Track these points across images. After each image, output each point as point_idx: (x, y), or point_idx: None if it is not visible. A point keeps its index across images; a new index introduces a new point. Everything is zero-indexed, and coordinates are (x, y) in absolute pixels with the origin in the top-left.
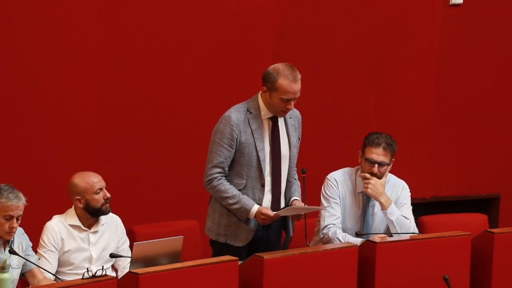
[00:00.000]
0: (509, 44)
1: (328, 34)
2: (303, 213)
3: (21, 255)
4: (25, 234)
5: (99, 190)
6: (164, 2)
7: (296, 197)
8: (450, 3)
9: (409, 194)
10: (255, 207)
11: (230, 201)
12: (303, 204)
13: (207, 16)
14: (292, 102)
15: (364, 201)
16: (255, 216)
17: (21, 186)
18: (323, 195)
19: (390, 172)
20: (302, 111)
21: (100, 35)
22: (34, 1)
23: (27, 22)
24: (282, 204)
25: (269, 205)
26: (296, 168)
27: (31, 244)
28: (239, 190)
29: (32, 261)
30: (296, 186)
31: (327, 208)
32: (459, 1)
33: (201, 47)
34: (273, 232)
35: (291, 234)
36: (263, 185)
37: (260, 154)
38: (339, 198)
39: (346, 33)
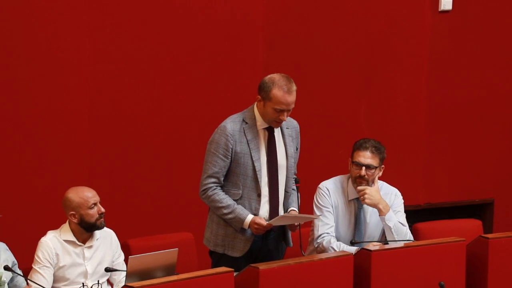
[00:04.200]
0: (499, 48)
1: (318, 43)
2: (297, 223)
3: (18, 272)
4: (9, 251)
5: (93, 205)
6: (155, 13)
7: (293, 208)
8: (440, 10)
9: (402, 201)
10: (249, 217)
11: (225, 211)
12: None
13: (198, 27)
14: (286, 113)
15: (356, 208)
16: (249, 226)
17: (15, 202)
18: (315, 204)
19: (383, 179)
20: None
21: (92, 46)
22: (26, 10)
23: (18, 32)
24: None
25: (267, 215)
26: (295, 177)
27: (16, 262)
28: (236, 200)
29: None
30: (294, 196)
31: (320, 217)
32: (448, 7)
33: (192, 58)
34: (272, 243)
35: (291, 244)
36: (259, 195)
37: (256, 164)
38: (332, 206)
39: (336, 41)
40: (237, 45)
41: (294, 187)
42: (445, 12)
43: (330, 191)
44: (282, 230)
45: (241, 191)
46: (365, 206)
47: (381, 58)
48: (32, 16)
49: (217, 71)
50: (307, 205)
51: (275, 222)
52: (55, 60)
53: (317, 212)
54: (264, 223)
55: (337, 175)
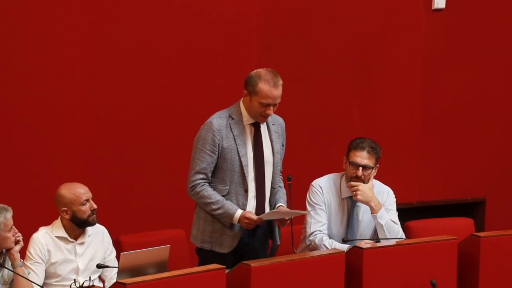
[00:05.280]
0: (492, 47)
1: (312, 42)
2: (288, 217)
3: (10, 268)
4: None
5: (85, 201)
6: (150, 13)
7: (281, 204)
8: (433, 8)
9: (395, 199)
10: (239, 212)
11: (214, 207)
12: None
13: (192, 27)
14: (272, 108)
15: (349, 207)
16: (239, 221)
17: (7, 197)
18: (308, 202)
19: (376, 177)
20: (288, 118)
21: (86, 46)
22: (20, 8)
23: (11, 29)
24: (267, 211)
25: (254, 212)
26: (281, 176)
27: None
28: (223, 196)
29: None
30: (282, 193)
31: (313, 215)
32: (441, 5)
33: (186, 57)
34: (259, 240)
35: (278, 242)
36: (246, 191)
37: (242, 159)
38: (325, 204)
39: (330, 40)
40: (231, 44)
41: (281, 184)
42: (438, 10)
43: (323, 189)
44: (269, 227)
45: (228, 187)
46: (358, 204)
47: (374, 57)
48: (26, 14)
49: (211, 70)
50: (299, 203)
51: (266, 216)
52: (49, 58)
53: (310, 209)
54: (255, 217)
55: (329, 173)
